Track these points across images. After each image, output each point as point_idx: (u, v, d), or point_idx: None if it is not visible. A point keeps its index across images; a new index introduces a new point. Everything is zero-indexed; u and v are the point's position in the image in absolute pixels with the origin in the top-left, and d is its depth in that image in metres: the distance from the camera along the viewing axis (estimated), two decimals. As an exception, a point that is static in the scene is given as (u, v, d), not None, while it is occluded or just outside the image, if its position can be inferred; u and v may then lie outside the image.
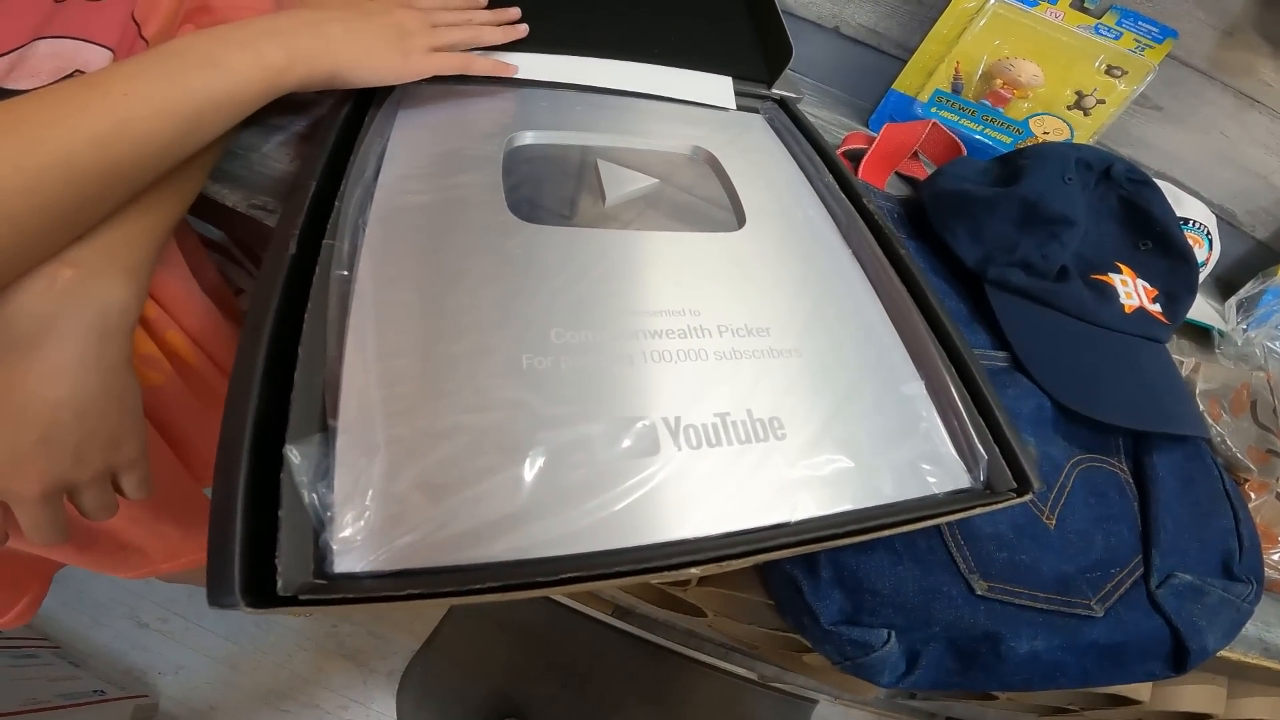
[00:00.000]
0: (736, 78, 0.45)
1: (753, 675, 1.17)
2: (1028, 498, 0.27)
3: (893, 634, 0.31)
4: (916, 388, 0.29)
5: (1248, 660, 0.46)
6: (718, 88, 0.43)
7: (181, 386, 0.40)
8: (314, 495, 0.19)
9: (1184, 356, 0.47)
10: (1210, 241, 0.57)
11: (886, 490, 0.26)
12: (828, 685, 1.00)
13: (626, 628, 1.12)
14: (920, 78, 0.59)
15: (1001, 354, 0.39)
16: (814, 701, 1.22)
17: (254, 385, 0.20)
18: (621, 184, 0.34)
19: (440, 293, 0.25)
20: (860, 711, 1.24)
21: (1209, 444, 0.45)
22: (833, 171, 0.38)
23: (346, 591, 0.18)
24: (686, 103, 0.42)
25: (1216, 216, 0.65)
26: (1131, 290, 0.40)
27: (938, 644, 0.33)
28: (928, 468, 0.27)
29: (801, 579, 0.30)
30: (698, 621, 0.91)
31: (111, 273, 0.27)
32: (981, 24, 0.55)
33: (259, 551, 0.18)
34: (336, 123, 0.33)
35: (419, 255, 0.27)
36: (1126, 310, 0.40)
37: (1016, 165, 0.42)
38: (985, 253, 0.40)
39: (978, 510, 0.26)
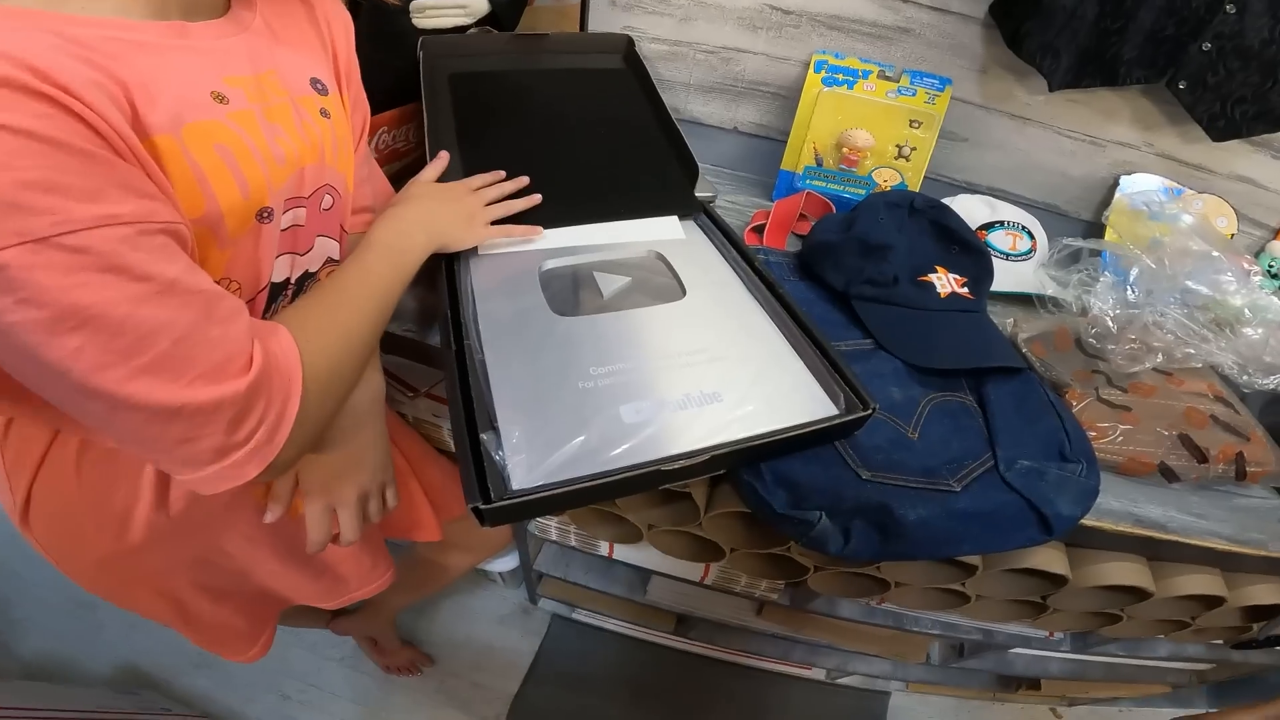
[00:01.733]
0: (680, 214, 0.67)
1: (820, 674, 1.24)
2: (870, 413, 0.48)
3: (823, 514, 0.51)
4: (797, 364, 0.52)
5: (1123, 529, 0.61)
6: (670, 226, 0.65)
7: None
8: (498, 456, 0.41)
9: (1009, 318, 0.69)
10: (1030, 234, 0.79)
11: (785, 419, 0.47)
12: (876, 653, 1.12)
13: (692, 647, 1.25)
14: (795, 156, 0.82)
15: (868, 341, 0.61)
16: (886, 693, 1.28)
17: (460, 412, 0.43)
18: (611, 284, 0.58)
19: (529, 359, 0.49)
20: (936, 697, 1.28)
21: (1035, 373, 0.65)
22: (736, 248, 0.62)
23: (518, 495, 0.40)
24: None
25: (1043, 210, 0.87)
26: (945, 282, 0.63)
27: (859, 521, 0.52)
28: (809, 405, 0.49)
29: (756, 483, 0.50)
30: (746, 610, 1.06)
31: (376, 369, 0.50)
32: (817, 108, 0.77)
33: (481, 483, 0.40)
34: (442, 273, 0.56)
35: (512, 341, 0.50)
36: (942, 295, 0.62)
37: (852, 216, 0.66)
38: (846, 279, 0.63)
39: (837, 422, 0.48)
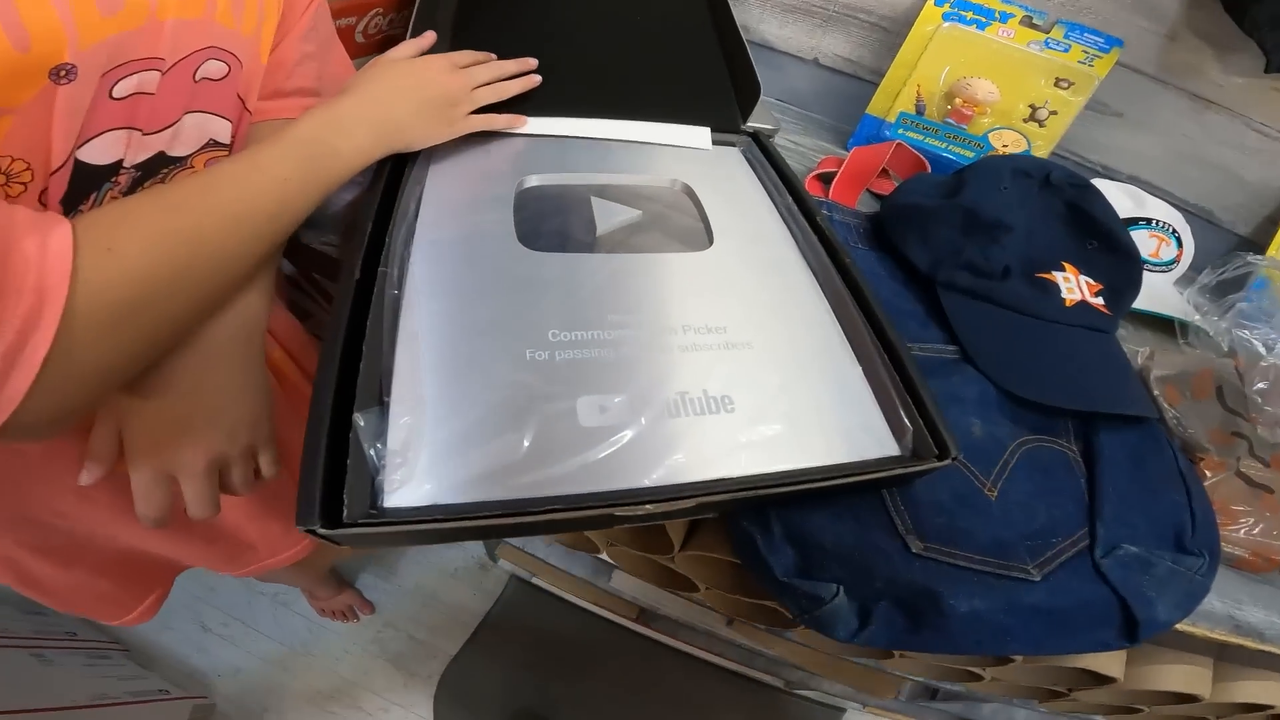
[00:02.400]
0: (714, 128, 0.51)
1: (779, 682, 1.18)
2: (947, 463, 0.32)
3: (841, 588, 0.36)
4: (854, 372, 0.35)
5: (1215, 636, 0.46)
6: (697, 137, 0.50)
7: (283, 397, 0.48)
8: (373, 450, 0.26)
9: (1142, 346, 0.51)
10: (1179, 240, 0.60)
11: (821, 455, 0.32)
12: (845, 684, 1.01)
13: (652, 634, 1.16)
14: (888, 101, 0.65)
15: (952, 348, 0.44)
16: (841, 710, 1.22)
17: (333, 372, 0.27)
18: (611, 216, 0.41)
19: (464, 305, 0.33)
20: (887, 717, 1.22)
21: (1164, 425, 0.48)
22: (792, 194, 0.44)
23: (390, 520, 0.25)
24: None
25: (1192, 214, 0.68)
26: (1074, 286, 0.45)
27: (886, 601, 0.37)
28: (860, 437, 0.33)
29: (756, 535, 0.35)
30: (714, 619, 0.94)
31: (261, 293, 0.36)
32: (932, 47, 0.60)
33: (334, 490, 0.25)
34: (384, 173, 0.41)
35: (448, 277, 0.34)
36: (1067, 304, 0.44)
37: (961, 179, 0.48)
38: (935, 258, 0.46)
39: (897, 472, 0.32)
